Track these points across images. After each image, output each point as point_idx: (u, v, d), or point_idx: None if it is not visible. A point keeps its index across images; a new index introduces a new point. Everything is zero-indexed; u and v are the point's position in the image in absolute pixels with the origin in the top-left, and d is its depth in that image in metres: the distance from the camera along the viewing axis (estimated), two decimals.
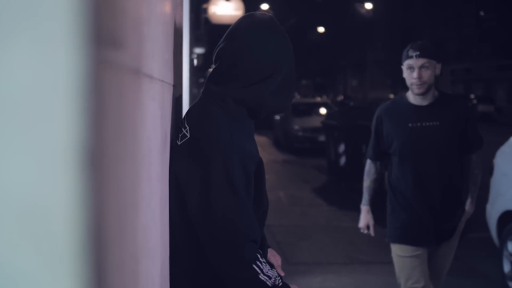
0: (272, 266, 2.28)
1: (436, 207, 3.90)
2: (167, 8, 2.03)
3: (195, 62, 18.71)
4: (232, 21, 16.92)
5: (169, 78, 2.13)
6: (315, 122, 18.30)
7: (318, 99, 26.96)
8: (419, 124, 3.85)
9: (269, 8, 31.01)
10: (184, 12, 3.27)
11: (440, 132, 3.82)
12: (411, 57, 3.76)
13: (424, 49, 3.75)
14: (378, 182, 4.43)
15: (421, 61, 3.74)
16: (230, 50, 2.09)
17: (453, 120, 3.84)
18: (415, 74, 3.76)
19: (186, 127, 2.06)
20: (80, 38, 0.52)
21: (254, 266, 1.94)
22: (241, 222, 1.94)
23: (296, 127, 19.55)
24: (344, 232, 8.47)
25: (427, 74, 3.76)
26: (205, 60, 33.24)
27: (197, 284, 2.05)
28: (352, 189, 11.69)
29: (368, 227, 4.31)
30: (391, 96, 35.94)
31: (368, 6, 33.54)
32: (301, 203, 10.59)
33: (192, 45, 13.49)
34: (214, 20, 16.85)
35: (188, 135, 2.03)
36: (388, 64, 38.29)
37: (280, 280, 2.02)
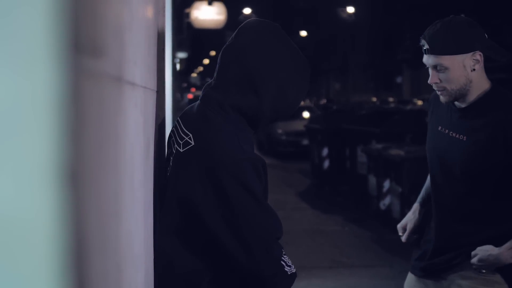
0: None
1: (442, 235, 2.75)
2: (149, 13, 2.02)
3: (178, 67, 18.66)
4: (215, 25, 16.93)
5: (152, 84, 2.12)
6: (298, 126, 18.31)
7: (301, 102, 26.95)
8: (447, 131, 2.69)
9: (252, 12, 31.08)
10: (166, 17, 3.25)
11: (464, 151, 2.60)
12: (424, 51, 2.58)
13: (436, 42, 2.51)
14: None
15: (432, 59, 2.54)
16: (225, 51, 2.10)
17: (485, 138, 2.55)
18: (429, 77, 2.60)
19: (189, 134, 2.04)
20: (59, 47, 0.51)
21: (281, 261, 2.03)
22: (266, 223, 2.01)
23: (280, 131, 19.56)
24: (328, 236, 8.48)
25: (446, 77, 2.53)
26: (187, 64, 33.17)
27: None
28: (336, 192, 11.72)
29: (404, 229, 2.98)
30: (374, 99, 36.04)
31: (350, 10, 33.71)
32: (285, 207, 10.59)
33: (175, 49, 13.46)
34: (197, 24, 16.83)
35: (193, 143, 2.02)
36: (370, 67, 38.46)
37: (294, 268, 2.12)
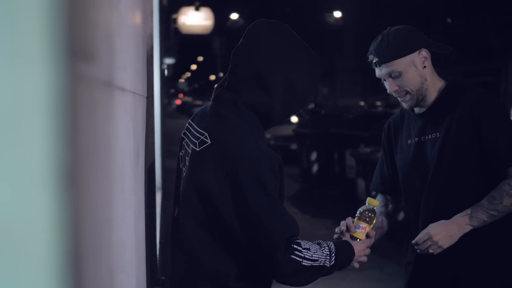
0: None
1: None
2: (138, 19, 2.02)
3: (166, 72, 18.66)
4: (202, 31, 16.90)
5: (141, 89, 2.12)
6: (286, 130, 18.32)
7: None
8: (417, 139, 2.67)
9: (239, 17, 31.12)
10: (154, 23, 3.25)
11: (442, 147, 2.57)
12: (374, 64, 2.63)
13: (383, 51, 2.57)
14: (393, 216, 2.90)
15: (385, 69, 2.58)
16: (235, 53, 2.13)
17: (456, 126, 2.56)
18: (387, 88, 2.63)
19: (204, 133, 2.08)
20: (53, 53, 0.51)
21: (293, 256, 2.03)
22: (276, 221, 2.02)
23: (268, 136, 19.56)
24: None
25: (403, 81, 2.57)
26: (175, 70, 33.15)
27: None
28: (325, 196, 11.74)
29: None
30: (362, 103, 36.11)
31: (337, 14, 33.80)
32: None
33: (163, 55, 13.47)
34: (184, 30, 16.81)
35: (209, 141, 2.05)
36: (358, 72, 38.63)
37: (333, 259, 2.14)
